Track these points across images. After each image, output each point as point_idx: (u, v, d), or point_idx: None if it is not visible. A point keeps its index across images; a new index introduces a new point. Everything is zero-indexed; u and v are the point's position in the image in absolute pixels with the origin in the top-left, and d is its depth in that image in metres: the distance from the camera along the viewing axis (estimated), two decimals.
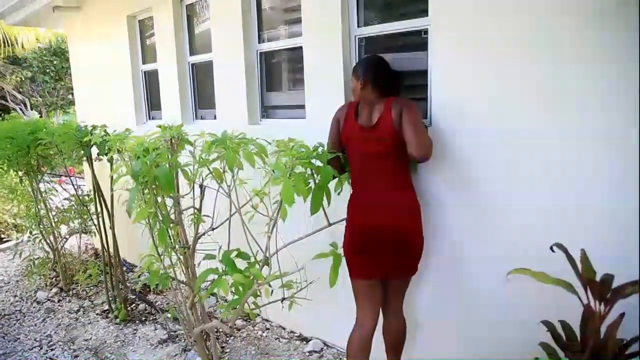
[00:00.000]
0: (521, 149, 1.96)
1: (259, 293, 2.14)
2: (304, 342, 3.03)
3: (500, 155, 2.02)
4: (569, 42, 1.78)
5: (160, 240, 2.25)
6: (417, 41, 2.29)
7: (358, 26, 2.51)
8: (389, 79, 2.19)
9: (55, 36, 11.72)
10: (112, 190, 3.14)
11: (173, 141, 2.49)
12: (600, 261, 1.44)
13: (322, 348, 2.95)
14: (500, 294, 2.08)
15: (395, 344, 2.31)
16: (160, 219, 2.31)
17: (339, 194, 2.27)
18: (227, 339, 3.13)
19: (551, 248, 1.47)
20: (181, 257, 2.57)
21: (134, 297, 3.79)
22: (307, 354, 2.91)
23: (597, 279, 1.40)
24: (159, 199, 2.33)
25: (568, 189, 1.86)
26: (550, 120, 1.86)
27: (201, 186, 2.48)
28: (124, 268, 4.39)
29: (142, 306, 3.66)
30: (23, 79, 12.25)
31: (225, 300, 3.46)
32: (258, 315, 3.26)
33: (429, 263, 2.32)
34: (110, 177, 3.08)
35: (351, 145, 2.21)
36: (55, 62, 12.56)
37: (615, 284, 1.38)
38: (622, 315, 1.43)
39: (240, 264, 2.25)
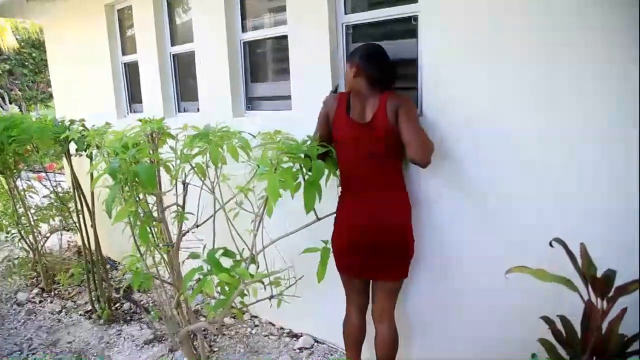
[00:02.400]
0: (517, 146, 1.89)
1: (246, 292, 2.07)
2: (294, 339, 2.96)
3: (496, 151, 1.95)
4: (568, 35, 1.71)
5: (141, 240, 2.16)
6: (407, 28, 2.20)
7: (345, 13, 2.42)
8: (385, 71, 2.07)
9: (40, 27, 11.41)
10: (92, 187, 3.02)
11: (154, 135, 2.39)
12: (600, 261, 1.38)
13: (312, 344, 2.88)
14: (496, 293, 2.02)
15: (386, 353, 2.15)
16: (142, 217, 2.21)
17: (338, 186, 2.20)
18: (215, 337, 3.05)
19: (550, 244, 1.41)
20: (165, 256, 2.48)
21: (118, 296, 3.68)
22: (298, 350, 2.84)
23: (598, 274, 1.35)
24: (140, 197, 2.23)
25: (566, 188, 1.80)
26: (549, 120, 1.79)
27: (184, 182, 2.38)
28: (108, 266, 4.28)
29: (126, 305, 3.56)
30: (1, 72, 11.94)
31: (213, 297, 3.38)
32: (246, 312, 3.18)
33: (422, 263, 2.25)
34: (89, 174, 2.97)
35: (343, 142, 2.09)
36: (34, 55, 12.27)
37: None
38: (624, 310, 1.38)
39: (227, 261, 2.17)
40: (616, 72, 1.62)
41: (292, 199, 1.95)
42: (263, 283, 2.10)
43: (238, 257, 2.23)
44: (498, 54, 1.88)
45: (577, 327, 1.49)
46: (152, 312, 3.20)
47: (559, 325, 1.54)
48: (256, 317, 3.22)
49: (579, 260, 1.37)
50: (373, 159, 2.03)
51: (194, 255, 2.18)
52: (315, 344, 2.88)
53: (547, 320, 1.54)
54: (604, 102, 1.67)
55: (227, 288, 2.06)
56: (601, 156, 1.70)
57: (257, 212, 2.17)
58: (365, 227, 2.04)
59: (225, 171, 2.25)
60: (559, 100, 1.76)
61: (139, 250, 2.29)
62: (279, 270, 2.12)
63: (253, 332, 3.08)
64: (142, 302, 3.60)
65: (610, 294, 1.28)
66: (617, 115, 1.65)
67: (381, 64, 2.06)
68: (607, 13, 1.62)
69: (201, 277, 2.06)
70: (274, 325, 3.13)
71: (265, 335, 3.03)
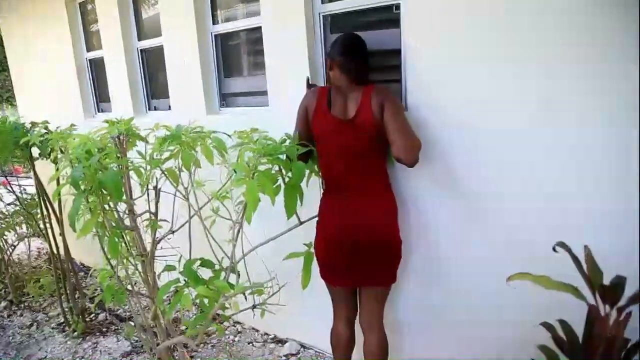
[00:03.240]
0: (514, 145, 1.79)
1: (227, 305, 1.93)
2: (280, 345, 2.85)
3: (490, 149, 1.85)
4: (568, 35, 1.63)
5: (111, 253, 2.00)
6: (389, 17, 2.07)
7: (322, 2, 2.27)
8: (361, 62, 1.93)
9: None
10: (59, 194, 2.83)
11: (121, 138, 2.22)
12: (599, 261, 1.29)
13: (298, 350, 2.77)
14: (488, 293, 1.94)
15: None
16: (110, 228, 2.05)
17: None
18: (196, 346, 2.91)
19: (554, 248, 1.32)
20: (139, 266, 2.33)
21: (92, 305, 3.49)
22: (284, 357, 2.73)
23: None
24: (108, 206, 2.06)
25: (565, 188, 1.73)
26: (549, 119, 1.71)
27: (155, 188, 2.23)
28: (81, 273, 4.09)
29: (102, 316, 3.39)
30: None
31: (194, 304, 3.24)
32: (224, 322, 3.04)
33: (412, 265, 2.16)
34: (56, 180, 2.77)
35: (324, 139, 1.95)
36: None
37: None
38: (629, 315, 1.30)
39: (206, 271, 2.03)
40: (616, 72, 1.56)
41: (271, 200, 1.82)
42: (244, 294, 1.97)
43: (217, 267, 2.09)
44: (491, 46, 1.78)
45: (574, 327, 1.42)
46: (126, 328, 3.04)
47: (560, 331, 1.46)
48: (239, 323, 3.09)
49: (584, 265, 1.28)
50: (356, 156, 1.90)
51: (169, 268, 2.03)
52: (302, 349, 2.77)
53: (547, 326, 1.46)
54: (604, 102, 1.60)
55: (206, 301, 1.93)
56: (601, 156, 1.64)
57: (235, 220, 2.03)
58: (349, 227, 1.92)
59: (200, 175, 2.11)
60: (558, 99, 1.68)
61: (110, 263, 2.13)
62: (262, 282, 1.99)
63: (236, 339, 2.95)
64: (118, 311, 3.43)
65: (622, 303, 1.19)
66: (617, 115, 1.59)
67: (357, 55, 1.93)
68: (607, 13, 1.56)
69: (178, 289, 1.93)
70: (257, 331, 3.01)
71: (249, 342, 2.91)
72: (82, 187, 1.88)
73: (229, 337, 2.98)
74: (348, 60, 1.91)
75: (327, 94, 1.94)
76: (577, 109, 1.64)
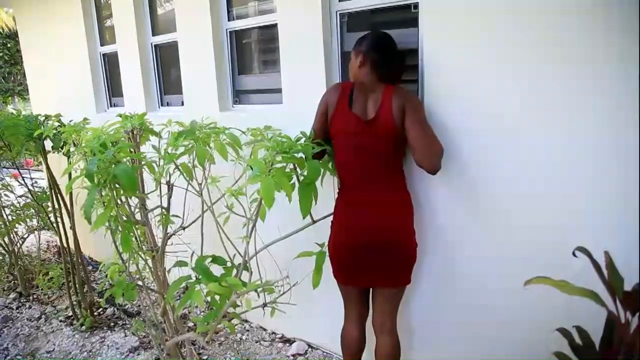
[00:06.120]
0: (523, 146, 1.78)
1: (238, 303, 1.92)
2: (287, 344, 2.84)
3: (502, 151, 1.83)
4: (568, 35, 1.62)
5: (124, 248, 1.99)
6: (407, 16, 2.05)
7: (339, 0, 2.26)
8: (394, 62, 1.91)
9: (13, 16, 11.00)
10: (70, 188, 2.84)
11: (135, 132, 2.22)
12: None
13: (306, 350, 2.76)
14: (502, 295, 1.92)
15: None
16: (123, 222, 2.04)
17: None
18: (205, 344, 2.90)
19: (573, 253, 1.30)
20: (149, 261, 2.32)
21: (100, 300, 3.50)
22: (291, 357, 2.71)
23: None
24: (122, 200, 2.06)
25: (568, 189, 1.72)
26: (551, 119, 1.70)
27: (168, 183, 2.22)
28: (90, 267, 4.10)
29: (110, 310, 3.39)
30: None
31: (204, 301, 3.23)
32: (236, 325, 3.03)
33: (426, 265, 2.14)
34: (68, 173, 2.78)
35: (342, 137, 1.92)
36: (9, 45, 11.86)
37: None
38: None
39: (216, 268, 2.02)
40: (616, 72, 1.55)
41: (284, 197, 1.80)
42: (257, 292, 1.96)
43: (229, 264, 2.08)
44: (507, 42, 1.76)
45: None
46: (134, 324, 3.04)
47: (576, 337, 1.44)
48: (247, 321, 3.08)
49: (605, 271, 1.26)
50: (374, 157, 1.88)
51: (181, 264, 2.02)
52: (310, 349, 2.76)
53: (564, 332, 1.44)
54: (604, 102, 1.59)
55: (217, 298, 1.92)
56: (601, 156, 1.63)
57: (249, 217, 2.01)
58: (364, 227, 1.90)
59: (213, 171, 2.10)
60: (558, 100, 1.67)
61: (121, 257, 2.13)
62: (274, 280, 1.98)
63: (243, 337, 2.94)
64: (126, 306, 3.44)
65: None
66: (617, 115, 1.58)
67: (391, 55, 1.90)
68: (607, 13, 1.54)
69: (188, 286, 1.92)
70: (265, 330, 2.99)
71: (257, 341, 2.90)
72: (96, 180, 1.88)
73: (236, 335, 2.97)
74: (384, 59, 1.89)
75: (349, 90, 1.90)
76: (578, 109, 1.64)
